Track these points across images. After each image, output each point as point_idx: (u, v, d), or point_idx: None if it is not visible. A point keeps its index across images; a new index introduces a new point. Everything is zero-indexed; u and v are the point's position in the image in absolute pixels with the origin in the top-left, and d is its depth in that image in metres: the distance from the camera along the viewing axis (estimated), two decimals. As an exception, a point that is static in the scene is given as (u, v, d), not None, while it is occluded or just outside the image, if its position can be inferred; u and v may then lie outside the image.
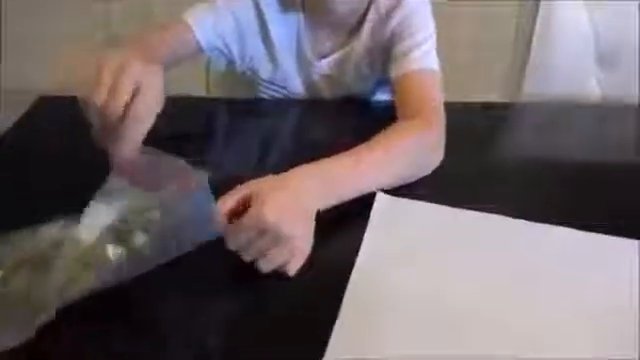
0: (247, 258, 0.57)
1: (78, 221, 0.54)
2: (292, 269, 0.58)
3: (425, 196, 0.69)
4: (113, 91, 0.55)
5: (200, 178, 0.54)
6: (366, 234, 0.64)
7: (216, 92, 1.14)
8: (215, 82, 1.13)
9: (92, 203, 0.54)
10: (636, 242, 0.64)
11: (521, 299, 0.57)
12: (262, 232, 0.55)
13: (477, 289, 0.57)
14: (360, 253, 0.61)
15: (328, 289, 0.57)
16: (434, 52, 0.87)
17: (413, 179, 0.72)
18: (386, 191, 0.69)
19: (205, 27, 0.88)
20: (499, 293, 0.57)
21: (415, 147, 0.73)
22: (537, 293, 0.57)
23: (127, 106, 0.56)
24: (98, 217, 0.53)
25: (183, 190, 0.54)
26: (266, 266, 0.57)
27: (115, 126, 0.56)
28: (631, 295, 0.57)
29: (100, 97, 0.55)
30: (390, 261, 0.60)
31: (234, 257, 0.57)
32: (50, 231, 0.53)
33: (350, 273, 0.58)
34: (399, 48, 0.87)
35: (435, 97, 0.81)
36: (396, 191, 0.70)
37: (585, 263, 0.62)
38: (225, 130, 0.91)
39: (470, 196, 0.70)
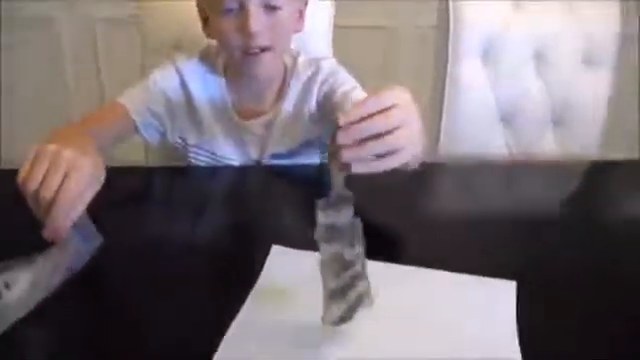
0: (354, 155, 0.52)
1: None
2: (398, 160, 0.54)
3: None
4: (44, 181, 0.59)
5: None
6: (257, 282, 0.65)
7: (154, 157, 1.16)
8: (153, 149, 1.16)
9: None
10: (513, 283, 0.65)
11: (398, 340, 0.57)
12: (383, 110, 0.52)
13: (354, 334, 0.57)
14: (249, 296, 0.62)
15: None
16: None
17: None
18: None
19: (139, 108, 0.92)
20: (376, 333, 0.57)
21: None
22: (416, 333, 0.58)
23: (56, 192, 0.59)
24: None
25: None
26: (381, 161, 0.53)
27: (47, 209, 0.59)
28: (510, 333, 0.58)
29: (32, 185, 0.59)
30: (273, 304, 0.61)
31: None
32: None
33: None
34: (337, 96, 0.93)
35: None
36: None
37: (464, 303, 0.63)
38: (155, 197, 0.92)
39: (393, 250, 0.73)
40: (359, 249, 0.55)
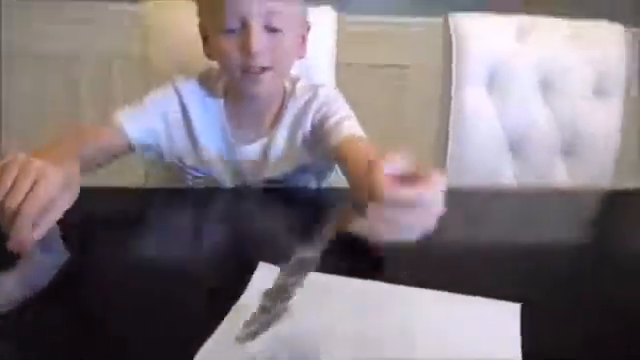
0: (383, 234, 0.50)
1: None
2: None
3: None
4: (11, 189, 0.57)
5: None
6: (241, 297, 0.62)
7: (156, 179, 1.15)
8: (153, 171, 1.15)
9: None
10: (517, 305, 0.62)
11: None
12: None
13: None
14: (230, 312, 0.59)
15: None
16: (359, 127, 0.91)
17: None
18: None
19: (135, 126, 0.91)
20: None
21: None
22: (421, 353, 0.55)
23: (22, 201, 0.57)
24: None
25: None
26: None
27: (12, 219, 0.57)
28: (514, 353, 0.55)
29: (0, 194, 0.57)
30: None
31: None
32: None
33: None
34: (329, 124, 0.91)
35: None
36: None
37: (466, 321, 0.60)
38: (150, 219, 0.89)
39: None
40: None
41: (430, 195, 0.49)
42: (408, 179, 0.50)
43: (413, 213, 0.49)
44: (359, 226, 0.49)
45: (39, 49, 1.94)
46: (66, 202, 0.61)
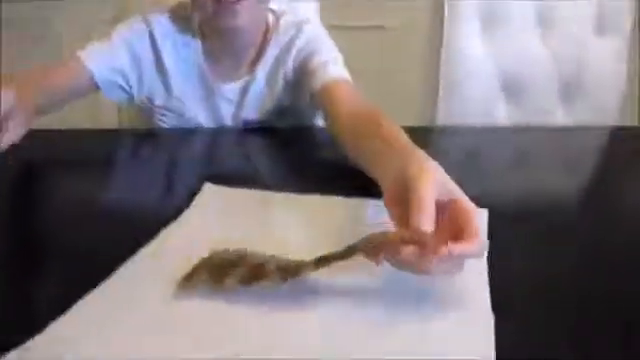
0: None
1: None
2: None
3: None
4: None
5: None
6: (183, 214, 0.59)
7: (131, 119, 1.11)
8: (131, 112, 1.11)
9: None
10: (484, 210, 0.57)
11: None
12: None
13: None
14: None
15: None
16: (346, 70, 0.86)
17: None
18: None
19: (99, 62, 0.86)
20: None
21: None
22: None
23: None
24: None
25: None
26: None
27: None
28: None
29: None
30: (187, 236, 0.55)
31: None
32: None
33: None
34: (313, 65, 0.86)
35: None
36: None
37: None
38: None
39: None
40: None
41: (479, 252, 0.44)
42: (448, 208, 0.45)
43: (455, 263, 0.43)
44: (393, 261, 0.43)
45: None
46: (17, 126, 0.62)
